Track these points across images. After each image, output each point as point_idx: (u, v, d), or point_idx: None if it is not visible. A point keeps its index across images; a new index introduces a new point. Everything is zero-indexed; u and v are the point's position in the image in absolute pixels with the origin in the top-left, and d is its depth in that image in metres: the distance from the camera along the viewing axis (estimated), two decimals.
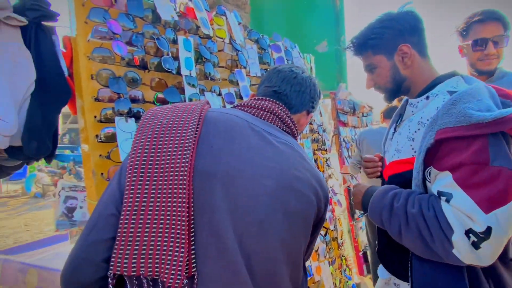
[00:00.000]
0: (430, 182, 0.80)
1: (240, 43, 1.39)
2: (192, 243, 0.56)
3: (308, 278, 1.64)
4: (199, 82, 1.20)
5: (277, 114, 0.78)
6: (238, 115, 0.72)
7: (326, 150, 2.11)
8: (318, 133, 1.99)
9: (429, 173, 0.79)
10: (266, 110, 0.77)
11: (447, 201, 0.73)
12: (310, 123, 1.94)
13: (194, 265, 0.55)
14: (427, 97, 0.88)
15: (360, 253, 2.85)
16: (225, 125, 0.67)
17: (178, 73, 1.14)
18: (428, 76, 0.94)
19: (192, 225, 0.57)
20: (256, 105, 0.78)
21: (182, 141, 0.60)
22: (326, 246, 1.83)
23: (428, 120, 0.83)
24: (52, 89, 1.01)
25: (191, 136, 0.60)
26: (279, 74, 0.85)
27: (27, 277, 1.71)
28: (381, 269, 1.05)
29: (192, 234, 0.56)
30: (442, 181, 0.75)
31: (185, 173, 0.56)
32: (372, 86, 1.01)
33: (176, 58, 1.14)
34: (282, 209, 0.65)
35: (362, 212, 0.97)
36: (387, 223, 0.82)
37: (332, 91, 2.92)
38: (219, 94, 1.29)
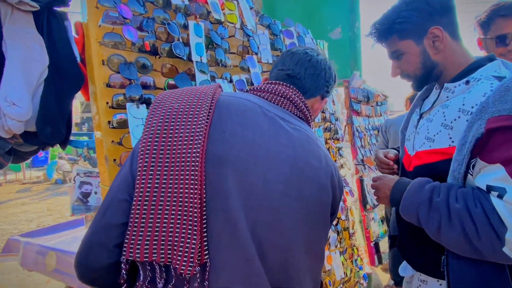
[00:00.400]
0: (472, 175, 0.74)
1: (252, 29, 1.36)
2: (204, 229, 0.56)
3: None
4: (210, 68, 1.19)
5: (290, 99, 0.76)
6: (251, 99, 0.71)
7: (338, 139, 2.08)
8: (330, 121, 1.95)
9: (473, 165, 0.73)
10: (279, 94, 0.75)
11: (500, 196, 0.67)
12: (323, 112, 1.90)
13: (206, 252, 0.55)
14: (467, 82, 0.81)
15: (372, 244, 2.84)
16: (238, 110, 0.66)
17: (189, 59, 1.13)
18: (463, 60, 0.88)
19: (205, 211, 0.56)
20: (269, 89, 0.76)
21: (194, 126, 0.59)
22: (338, 235, 1.82)
23: (472, 107, 0.76)
24: (65, 75, 1.02)
25: (203, 121, 0.60)
26: (293, 56, 0.82)
27: (46, 259, 1.78)
28: (404, 266, 1.01)
29: (205, 220, 0.56)
30: (492, 174, 0.69)
31: (197, 158, 0.56)
32: (399, 74, 0.95)
33: (186, 44, 1.13)
34: (297, 197, 0.64)
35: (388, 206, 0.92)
36: (424, 219, 0.76)
37: (345, 79, 2.86)
38: (230, 81, 1.27)
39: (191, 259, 0.53)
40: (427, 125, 0.89)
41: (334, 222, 1.83)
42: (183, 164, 0.56)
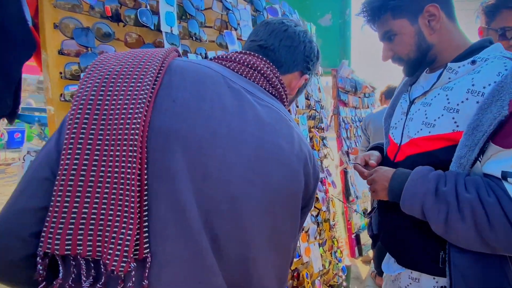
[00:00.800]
0: (480, 161, 0.68)
1: (231, 2, 1.25)
2: (145, 218, 0.46)
3: (297, 259, 1.58)
4: (182, 42, 1.08)
5: (261, 71, 0.66)
6: (212, 67, 0.60)
7: (323, 129, 2.00)
8: (315, 109, 1.87)
9: (483, 151, 0.67)
10: (248, 65, 0.65)
11: None
12: (307, 99, 1.82)
13: (147, 245, 0.46)
14: (473, 62, 0.75)
15: (353, 236, 2.82)
16: (194, 77, 0.56)
17: (158, 29, 1.02)
18: (460, 42, 0.81)
19: (146, 196, 0.47)
20: (236, 59, 0.66)
21: (137, 92, 0.49)
22: (317, 227, 1.77)
23: (484, 87, 0.70)
24: (12, 39, 0.89)
25: (148, 86, 0.50)
26: (267, 26, 0.72)
27: None
28: (387, 263, 0.95)
29: (146, 207, 0.47)
30: (509, 160, 0.63)
31: (137, 130, 0.46)
32: (390, 58, 0.87)
33: (156, 12, 1.01)
34: (262, 184, 0.54)
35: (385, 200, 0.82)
36: (430, 211, 0.70)
37: (334, 68, 2.78)
38: (205, 58, 1.17)
39: (125, 253, 0.43)
40: (425, 109, 0.82)
41: (314, 213, 1.77)
42: (119, 137, 0.46)
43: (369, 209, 3.10)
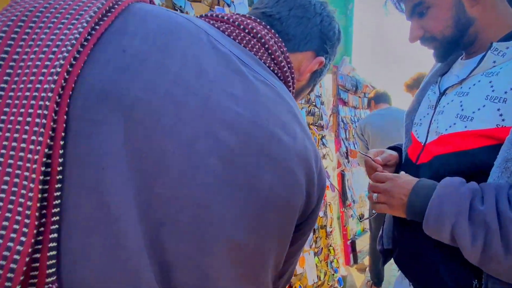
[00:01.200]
0: None
1: None
2: (54, 226, 0.29)
3: None
4: None
5: (263, 41, 0.48)
6: (194, 21, 0.43)
7: (322, 127, 1.85)
8: (315, 105, 1.72)
9: None
10: (246, 30, 0.48)
11: None
12: None
13: (51, 269, 0.29)
14: None
15: (348, 242, 2.68)
16: (162, 25, 0.39)
17: None
18: (508, 18, 0.66)
19: (58, 192, 0.30)
20: (230, 20, 0.49)
21: (67, 31, 0.33)
22: (314, 234, 1.61)
23: None
24: None
25: (86, 24, 0.33)
26: None
27: None
28: (400, 285, 0.80)
29: (56, 208, 0.30)
30: None
31: (52, 86, 0.30)
32: (420, 37, 0.71)
33: None
34: (247, 188, 0.37)
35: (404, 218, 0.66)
36: (463, 236, 0.55)
37: (334, 65, 2.64)
38: None
39: (9, 282, 0.27)
40: (460, 100, 0.66)
41: None
42: (27, 95, 0.30)
43: (365, 215, 2.97)
